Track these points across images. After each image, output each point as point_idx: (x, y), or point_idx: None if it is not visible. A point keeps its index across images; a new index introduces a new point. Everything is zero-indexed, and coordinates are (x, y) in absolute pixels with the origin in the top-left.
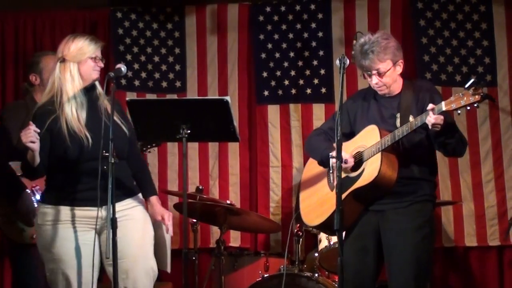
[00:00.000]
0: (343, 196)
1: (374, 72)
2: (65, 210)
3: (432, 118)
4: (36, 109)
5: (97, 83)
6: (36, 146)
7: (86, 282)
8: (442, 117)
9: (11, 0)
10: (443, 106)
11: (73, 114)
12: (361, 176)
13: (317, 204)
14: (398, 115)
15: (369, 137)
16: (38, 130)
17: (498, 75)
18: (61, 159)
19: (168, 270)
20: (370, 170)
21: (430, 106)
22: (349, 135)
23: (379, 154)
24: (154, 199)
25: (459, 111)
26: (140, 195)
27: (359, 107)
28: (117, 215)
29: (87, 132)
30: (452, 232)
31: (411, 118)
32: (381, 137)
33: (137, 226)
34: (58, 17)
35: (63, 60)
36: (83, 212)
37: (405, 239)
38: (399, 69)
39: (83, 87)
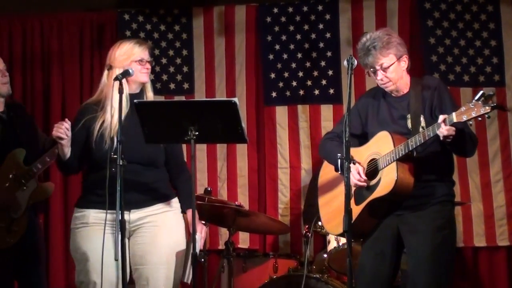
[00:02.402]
0: (362, 206)
1: (378, 67)
2: (93, 213)
3: (444, 130)
4: (82, 105)
5: (148, 85)
6: (64, 142)
7: (111, 283)
8: (453, 128)
9: (19, 3)
10: (454, 117)
11: (113, 118)
12: (378, 186)
13: (337, 211)
14: (409, 116)
15: (382, 144)
16: (69, 127)
17: (506, 75)
18: (90, 161)
19: (186, 280)
20: (387, 180)
21: (441, 117)
22: (361, 136)
23: (394, 164)
24: (189, 213)
25: (470, 122)
26: (174, 200)
27: (369, 107)
28: (144, 220)
29: (116, 137)
30: (461, 232)
31: (421, 119)
32: (394, 144)
33: (162, 233)
34: (65, 20)
35: (110, 68)
36: (110, 215)
37: (425, 240)
38: (404, 64)
39: (130, 92)
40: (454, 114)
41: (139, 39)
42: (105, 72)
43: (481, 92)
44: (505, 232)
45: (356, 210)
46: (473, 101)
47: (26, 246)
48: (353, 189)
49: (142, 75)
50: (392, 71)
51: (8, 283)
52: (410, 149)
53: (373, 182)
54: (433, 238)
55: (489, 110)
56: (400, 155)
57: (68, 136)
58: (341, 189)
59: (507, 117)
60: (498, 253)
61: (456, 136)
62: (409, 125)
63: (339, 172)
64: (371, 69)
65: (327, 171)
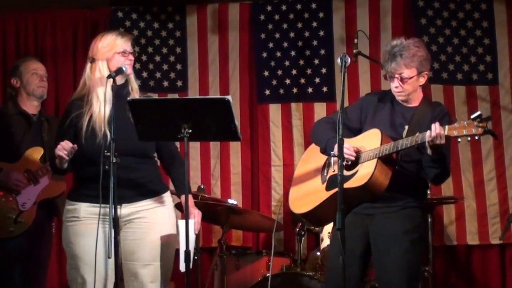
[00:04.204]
0: (331, 192)
1: (397, 76)
2: (85, 207)
3: (435, 127)
4: (68, 102)
5: (132, 77)
6: (64, 158)
7: (101, 279)
8: (444, 133)
9: (12, 1)
10: (446, 130)
11: (100, 111)
12: (353, 177)
13: (306, 193)
14: (407, 127)
15: (370, 140)
16: (75, 148)
17: (500, 73)
18: (81, 157)
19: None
20: (363, 174)
21: (436, 124)
22: (357, 131)
23: (375, 160)
24: (183, 199)
25: (459, 139)
26: (166, 194)
27: (373, 106)
28: (136, 215)
29: (107, 130)
30: (454, 231)
31: (417, 134)
32: (381, 143)
33: (154, 229)
34: (59, 17)
35: (93, 60)
36: (102, 210)
37: (395, 243)
38: (423, 80)
39: (114, 84)
40: (446, 126)
41: (121, 31)
42: (88, 65)
43: (478, 113)
44: (498, 230)
45: (324, 195)
46: (469, 120)
47: (31, 246)
48: (329, 174)
49: (125, 66)
50: (409, 83)
51: (10, 275)
52: (396, 150)
53: (350, 172)
54: (402, 240)
55: (480, 133)
56: (384, 153)
57: (68, 158)
58: (316, 174)
59: (500, 115)
60: (491, 251)
61: (438, 158)
62: (404, 135)
63: (325, 154)
64: (390, 74)
65: (309, 156)
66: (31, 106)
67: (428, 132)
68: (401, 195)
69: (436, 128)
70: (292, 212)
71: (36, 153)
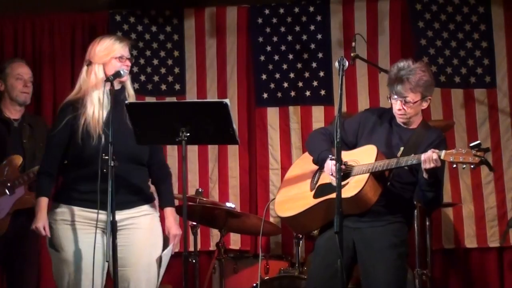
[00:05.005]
0: (318, 200)
1: (401, 98)
2: (74, 211)
3: (430, 153)
4: (62, 104)
5: (128, 83)
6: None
7: (91, 283)
8: (438, 158)
9: (10, 4)
10: (443, 154)
11: (94, 114)
12: (342, 188)
13: (293, 198)
14: (402, 148)
15: (365, 155)
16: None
17: (497, 76)
18: (74, 158)
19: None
20: (352, 187)
21: (432, 150)
22: (352, 146)
23: (366, 175)
24: (167, 211)
25: (454, 165)
26: (155, 202)
27: (371, 123)
28: (125, 222)
29: (102, 133)
30: (452, 234)
31: (412, 155)
32: (376, 159)
33: (143, 235)
34: (57, 20)
35: (89, 63)
36: (92, 214)
37: (383, 256)
38: (425, 104)
39: (110, 88)
40: (443, 151)
41: (120, 36)
42: (84, 68)
43: (477, 142)
44: (496, 233)
45: (311, 201)
46: (467, 148)
47: (15, 250)
48: (319, 182)
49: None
50: (413, 107)
51: None
52: (389, 167)
53: None
54: (389, 253)
55: (477, 162)
56: (377, 169)
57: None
58: (306, 181)
59: (498, 118)
60: (489, 254)
61: (433, 182)
62: (399, 155)
63: (317, 165)
64: (394, 96)
65: (301, 163)
66: (14, 111)
67: (423, 155)
68: (389, 211)
69: (430, 152)
70: (276, 214)
71: (15, 161)
